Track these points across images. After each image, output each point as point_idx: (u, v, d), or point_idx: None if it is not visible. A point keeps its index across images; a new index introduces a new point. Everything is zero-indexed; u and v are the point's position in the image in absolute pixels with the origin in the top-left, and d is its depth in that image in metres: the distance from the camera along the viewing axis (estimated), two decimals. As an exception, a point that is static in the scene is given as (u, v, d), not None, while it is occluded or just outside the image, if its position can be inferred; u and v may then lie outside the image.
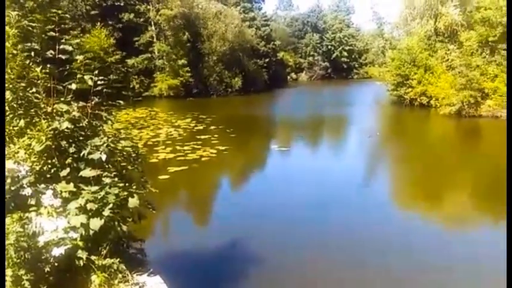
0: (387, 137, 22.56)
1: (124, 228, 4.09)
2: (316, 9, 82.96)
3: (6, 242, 3.31)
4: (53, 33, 4.85)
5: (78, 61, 4.82)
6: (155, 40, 41.04)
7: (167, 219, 10.03)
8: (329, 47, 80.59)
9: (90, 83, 4.62)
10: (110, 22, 38.06)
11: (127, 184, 4.32)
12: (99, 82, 4.67)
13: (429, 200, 11.97)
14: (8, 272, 3.28)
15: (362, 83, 65.49)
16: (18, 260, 3.34)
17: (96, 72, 4.72)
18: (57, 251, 3.49)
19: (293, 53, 78.07)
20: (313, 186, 12.30)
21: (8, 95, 4.36)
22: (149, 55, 40.66)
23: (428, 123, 28.28)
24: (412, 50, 32.84)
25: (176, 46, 40.77)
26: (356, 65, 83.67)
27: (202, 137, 19.22)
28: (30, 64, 4.72)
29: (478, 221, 10.35)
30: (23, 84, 4.53)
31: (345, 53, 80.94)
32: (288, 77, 71.28)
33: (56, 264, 3.56)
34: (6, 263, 3.29)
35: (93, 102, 4.75)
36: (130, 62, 38.60)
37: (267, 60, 54.45)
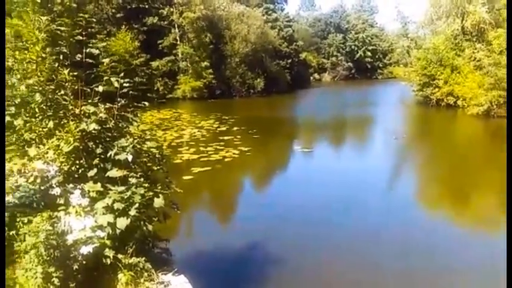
0: (413, 138, 22.13)
1: (150, 227, 4.16)
2: (340, 9, 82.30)
3: (37, 240, 3.41)
4: (81, 37, 4.97)
5: (104, 64, 4.92)
6: (178, 42, 41.51)
7: (190, 219, 10.11)
8: (352, 47, 79.85)
9: (116, 85, 4.71)
10: (134, 25, 38.73)
11: (152, 184, 4.39)
12: (125, 84, 4.76)
13: (455, 203, 11.69)
14: (39, 269, 3.38)
15: (387, 83, 64.55)
16: (48, 258, 3.43)
17: (122, 74, 4.81)
18: (85, 249, 3.58)
19: (316, 54, 77.68)
20: (336, 187, 12.18)
21: (37, 97, 4.49)
22: (173, 57, 41.15)
23: (456, 123, 27.63)
24: (438, 49, 32.17)
25: (199, 48, 41.16)
26: (380, 65, 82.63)
27: (225, 138, 19.31)
28: (59, 67, 4.83)
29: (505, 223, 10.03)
30: (52, 87, 4.64)
31: (369, 53, 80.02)
32: (311, 78, 70.96)
33: (84, 262, 3.65)
34: (37, 260, 3.39)
35: (119, 104, 4.84)
36: (154, 64, 39.17)
37: (289, 61, 54.37)
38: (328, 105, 37.46)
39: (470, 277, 7.03)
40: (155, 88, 38.41)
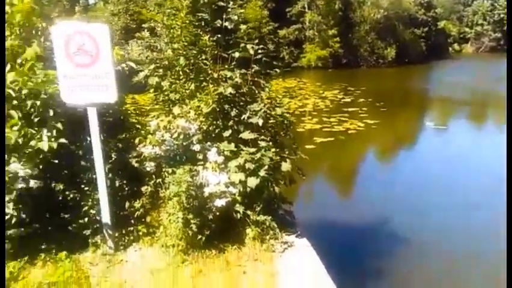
0: None
1: (277, 189, 4.32)
2: (491, -30, 72.56)
3: (179, 189, 3.80)
4: (222, 3, 5.21)
5: (241, 31, 5.11)
6: (307, 10, 41.11)
7: (312, 187, 10.25)
8: (502, 15, 70.06)
9: (251, 52, 4.86)
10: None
11: (279, 149, 4.53)
12: (259, 51, 4.89)
13: None
14: (180, 214, 3.80)
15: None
16: (188, 206, 3.83)
17: (256, 41, 4.95)
18: (219, 202, 3.91)
19: (457, 22, 70.27)
20: (469, 172, 11.05)
21: (181, 61, 4.87)
22: (300, 25, 41.02)
23: None
24: None
25: (327, 16, 40.35)
26: (538, 35, 71.30)
27: (350, 109, 18.87)
28: (200, 33, 5.15)
29: None
30: (194, 52, 4.98)
31: (524, 21, 69.49)
32: (450, 49, 64.64)
33: (217, 213, 4.00)
34: (178, 207, 3.79)
35: (253, 70, 5.01)
36: (281, 32, 39.54)
37: (425, 29, 50.29)
38: (469, 80, 33.58)
39: None
40: (281, 56, 38.92)
